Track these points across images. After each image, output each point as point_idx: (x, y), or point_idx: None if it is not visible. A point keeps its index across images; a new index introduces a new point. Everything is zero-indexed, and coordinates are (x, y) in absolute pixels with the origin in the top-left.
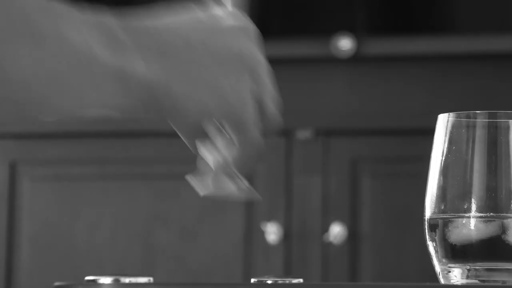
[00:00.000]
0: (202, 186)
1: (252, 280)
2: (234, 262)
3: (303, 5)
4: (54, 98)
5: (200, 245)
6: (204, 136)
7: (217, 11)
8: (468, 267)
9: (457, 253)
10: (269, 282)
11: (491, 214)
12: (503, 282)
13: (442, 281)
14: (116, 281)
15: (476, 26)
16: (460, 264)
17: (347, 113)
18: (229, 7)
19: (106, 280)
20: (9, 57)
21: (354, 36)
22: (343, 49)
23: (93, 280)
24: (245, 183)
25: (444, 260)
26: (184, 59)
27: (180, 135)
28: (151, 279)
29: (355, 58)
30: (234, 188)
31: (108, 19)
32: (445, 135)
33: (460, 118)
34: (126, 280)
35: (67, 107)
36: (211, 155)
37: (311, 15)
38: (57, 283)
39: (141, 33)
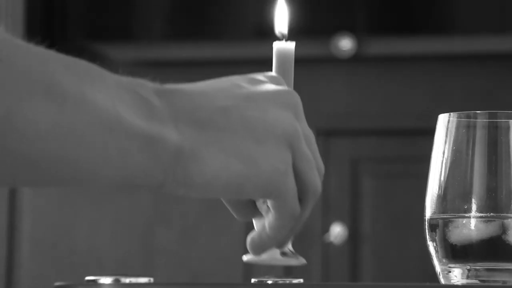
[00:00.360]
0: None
1: (253, 280)
2: (234, 262)
3: (304, 5)
4: (71, 158)
5: (200, 245)
6: (245, 204)
7: (258, 75)
8: (469, 267)
9: (457, 253)
10: (269, 282)
11: (492, 214)
12: (504, 282)
13: (442, 281)
14: (117, 281)
15: (476, 26)
16: (460, 264)
17: (347, 113)
18: (272, 72)
19: (106, 280)
20: (24, 113)
21: (355, 36)
22: (344, 49)
23: (93, 280)
24: (289, 248)
25: (444, 260)
26: (219, 128)
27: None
28: (152, 279)
29: (356, 58)
30: (278, 253)
31: (142, 81)
32: (446, 135)
33: (460, 118)
34: (127, 280)
35: (88, 168)
36: (257, 221)
37: (311, 15)
38: (57, 283)
39: (176, 97)
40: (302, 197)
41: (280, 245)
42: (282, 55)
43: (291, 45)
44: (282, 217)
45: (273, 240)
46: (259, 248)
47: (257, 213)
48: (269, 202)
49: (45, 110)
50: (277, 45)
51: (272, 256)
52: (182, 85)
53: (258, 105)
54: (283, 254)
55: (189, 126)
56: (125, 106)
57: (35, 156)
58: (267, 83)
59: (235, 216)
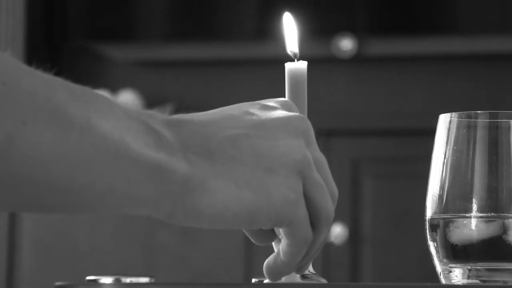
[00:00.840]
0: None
1: (253, 280)
2: (235, 263)
3: (304, 6)
4: (75, 184)
5: (201, 245)
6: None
7: (270, 101)
8: (469, 267)
9: (458, 253)
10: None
11: (492, 214)
12: (504, 282)
13: (443, 281)
14: (117, 281)
15: (477, 26)
16: (461, 264)
17: (348, 113)
18: (283, 98)
19: (107, 280)
20: (27, 136)
21: (355, 36)
22: (344, 49)
23: (94, 280)
24: (310, 270)
25: (445, 260)
26: (228, 158)
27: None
28: (152, 279)
29: (356, 59)
30: (298, 277)
31: (151, 112)
32: (446, 135)
33: (461, 118)
34: (127, 280)
35: (92, 195)
36: (276, 244)
37: (312, 16)
38: (58, 283)
39: (184, 127)
40: (315, 222)
41: (299, 271)
42: (295, 75)
43: (303, 65)
44: (295, 244)
45: (288, 266)
46: (275, 274)
47: (275, 237)
48: (281, 229)
49: (49, 134)
50: (289, 66)
51: (292, 279)
52: (192, 115)
53: (268, 133)
54: (303, 277)
55: (198, 156)
56: (133, 135)
57: (37, 181)
58: (278, 109)
59: (253, 241)
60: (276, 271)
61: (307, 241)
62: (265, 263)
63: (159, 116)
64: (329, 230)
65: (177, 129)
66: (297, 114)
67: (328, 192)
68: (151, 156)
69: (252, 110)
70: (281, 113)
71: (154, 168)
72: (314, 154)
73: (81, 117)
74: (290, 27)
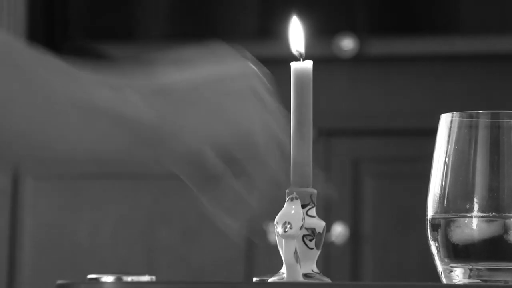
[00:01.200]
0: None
1: (254, 279)
2: (236, 262)
3: (305, 5)
4: (42, 136)
5: (202, 244)
6: (212, 180)
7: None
8: (470, 267)
9: (459, 252)
10: (270, 281)
11: (493, 214)
12: (505, 282)
13: (444, 280)
14: (118, 279)
15: (478, 26)
16: (462, 264)
17: (349, 113)
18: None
19: (108, 278)
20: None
21: (356, 36)
22: (345, 49)
23: (96, 279)
24: (313, 269)
25: (446, 260)
26: (186, 95)
27: (190, 185)
28: (153, 277)
29: (357, 58)
30: (301, 276)
31: (117, 71)
32: (448, 135)
33: (462, 118)
34: (128, 278)
35: (62, 147)
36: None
37: (313, 15)
38: (59, 282)
39: (142, 78)
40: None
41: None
42: (300, 75)
43: (308, 64)
44: (259, 177)
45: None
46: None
47: (217, 184)
48: (243, 160)
49: (16, 95)
50: (294, 65)
51: (295, 278)
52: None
53: (227, 81)
54: (306, 276)
55: (156, 97)
56: (95, 86)
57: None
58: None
59: (196, 191)
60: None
61: (270, 168)
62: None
63: (125, 73)
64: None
65: (133, 78)
66: (255, 70)
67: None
68: (117, 107)
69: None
70: (238, 67)
71: (120, 118)
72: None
73: (40, 69)
74: (296, 28)
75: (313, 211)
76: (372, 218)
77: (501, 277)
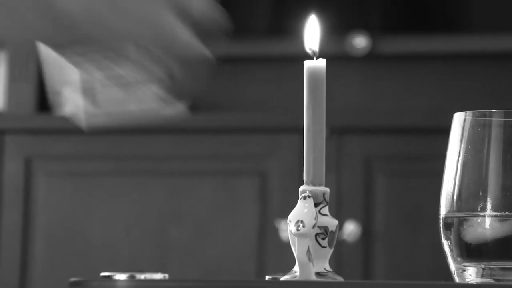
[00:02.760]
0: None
1: (266, 278)
2: (247, 259)
3: (318, 3)
4: None
5: (213, 242)
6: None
7: None
8: (483, 266)
9: (472, 252)
10: (283, 279)
11: (507, 213)
12: None
13: (457, 279)
14: (131, 277)
15: (490, 25)
16: (475, 263)
17: (361, 111)
18: None
19: (121, 276)
20: None
21: (369, 34)
22: (358, 47)
23: (109, 276)
24: (326, 268)
25: (459, 259)
26: None
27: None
28: (166, 275)
29: (370, 56)
30: (313, 275)
31: None
32: (461, 134)
33: (475, 116)
34: (141, 276)
35: None
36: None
37: (326, 13)
38: (72, 279)
39: None
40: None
41: None
42: (313, 73)
43: (322, 63)
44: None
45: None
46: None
47: None
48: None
49: None
50: (308, 64)
51: (308, 277)
52: None
53: None
54: (319, 274)
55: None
56: None
57: None
58: None
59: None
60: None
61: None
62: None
63: None
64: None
65: None
66: None
67: None
68: None
69: None
70: None
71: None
72: None
73: None
74: (309, 26)
75: (325, 210)
76: (384, 216)
77: None
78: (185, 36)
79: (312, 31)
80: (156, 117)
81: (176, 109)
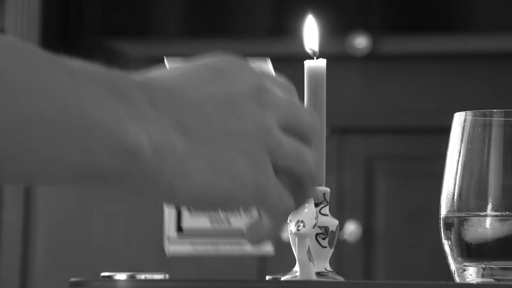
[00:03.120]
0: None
1: (267, 278)
2: (248, 260)
3: (318, 3)
4: (10, 151)
5: None
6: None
7: (217, 62)
8: (484, 266)
9: (472, 251)
10: (283, 279)
11: (507, 213)
12: None
13: (457, 279)
14: (132, 277)
15: (492, 24)
16: (475, 263)
17: (362, 111)
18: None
19: (121, 276)
20: None
21: (370, 34)
22: (359, 47)
23: (109, 276)
24: (326, 268)
25: (459, 259)
26: (204, 139)
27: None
28: (167, 275)
29: (371, 56)
30: (314, 275)
31: (115, 71)
32: (461, 134)
33: (476, 116)
34: (142, 276)
35: (36, 166)
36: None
37: (326, 13)
38: (73, 279)
39: (160, 93)
40: (299, 185)
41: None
42: (314, 73)
43: (322, 63)
44: (275, 216)
45: (271, 233)
46: (257, 238)
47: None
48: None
49: None
50: (308, 63)
51: (308, 277)
52: (164, 80)
53: (235, 109)
54: (319, 274)
55: (174, 131)
56: (94, 100)
57: None
58: (230, 73)
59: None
60: (258, 237)
61: (287, 211)
62: (246, 226)
63: (133, 79)
64: (316, 185)
65: (152, 95)
66: (248, 76)
67: (303, 152)
68: (117, 125)
69: (209, 77)
70: (236, 78)
71: (120, 140)
72: (274, 100)
73: (20, 76)
74: (310, 26)
75: (326, 210)
76: (385, 216)
77: None
78: (277, 194)
79: (310, 31)
80: (242, 252)
81: (263, 249)
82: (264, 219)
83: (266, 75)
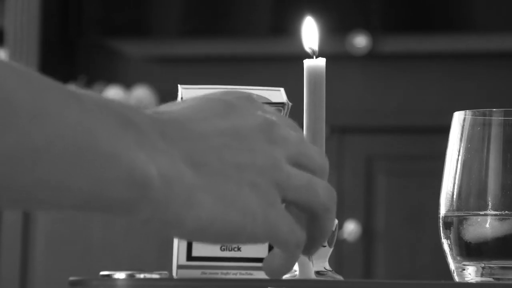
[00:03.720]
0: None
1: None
2: None
3: (319, 2)
4: (19, 180)
5: None
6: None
7: (228, 98)
8: (483, 265)
9: (471, 251)
10: (283, 278)
11: (506, 212)
12: None
13: (456, 279)
14: (131, 276)
15: (492, 24)
16: (474, 262)
17: (362, 110)
18: (238, 91)
19: (120, 275)
20: None
21: (370, 33)
22: (359, 46)
23: (108, 275)
24: (325, 267)
25: (458, 258)
26: (214, 172)
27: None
28: (166, 274)
29: (370, 56)
30: (313, 274)
31: (133, 105)
32: (461, 133)
33: (475, 116)
34: (141, 275)
35: (47, 194)
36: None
37: (327, 13)
38: (72, 278)
39: (170, 126)
40: (313, 218)
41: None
42: (313, 72)
43: (321, 62)
44: (287, 251)
45: (286, 267)
46: (274, 273)
47: None
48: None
49: None
50: (307, 63)
51: (307, 276)
52: (172, 110)
53: (245, 143)
54: (318, 273)
55: (184, 163)
56: (105, 129)
57: None
58: (240, 107)
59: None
60: (275, 271)
61: (299, 244)
62: (263, 261)
63: (143, 110)
64: (332, 218)
65: (162, 127)
66: (258, 111)
67: (314, 185)
68: (126, 155)
69: (220, 111)
70: (246, 113)
71: (130, 170)
72: (285, 138)
73: (31, 104)
74: (309, 25)
75: None
76: (385, 216)
77: None
78: (287, 227)
79: (309, 31)
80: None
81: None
82: (277, 252)
83: (274, 112)
